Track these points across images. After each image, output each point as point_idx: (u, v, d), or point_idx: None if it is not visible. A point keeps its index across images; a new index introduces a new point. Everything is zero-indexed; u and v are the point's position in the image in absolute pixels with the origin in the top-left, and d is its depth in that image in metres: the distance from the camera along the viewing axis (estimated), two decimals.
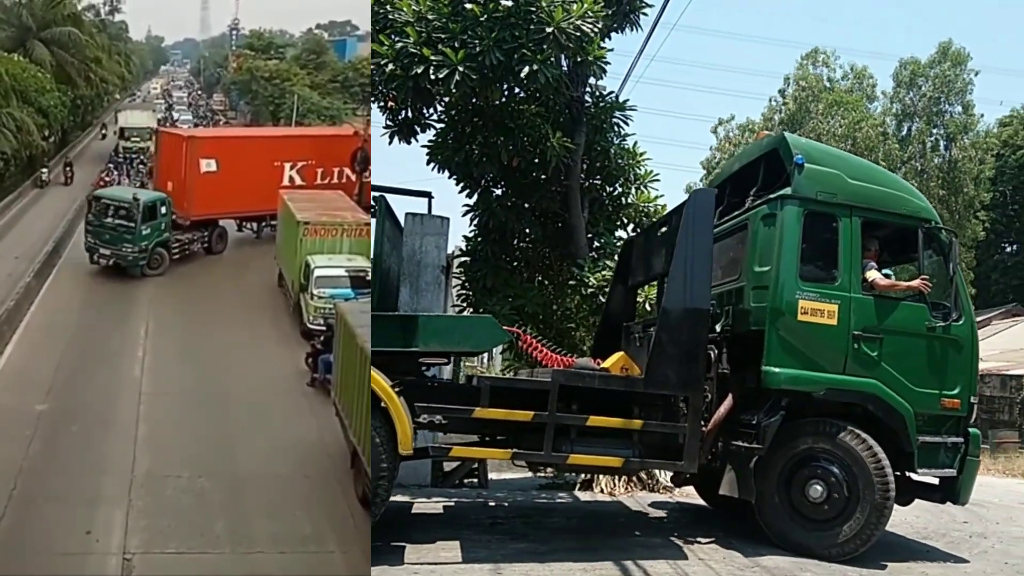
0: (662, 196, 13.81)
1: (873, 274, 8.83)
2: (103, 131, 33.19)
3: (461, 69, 10.80)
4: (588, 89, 13.12)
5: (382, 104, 12.62)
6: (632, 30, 13.17)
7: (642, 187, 13.89)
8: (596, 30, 11.21)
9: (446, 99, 12.47)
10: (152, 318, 15.03)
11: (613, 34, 13.07)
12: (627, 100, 13.67)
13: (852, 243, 8.76)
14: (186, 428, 10.71)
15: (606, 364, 8.97)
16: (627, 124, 13.63)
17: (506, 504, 11.44)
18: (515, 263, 13.82)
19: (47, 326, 14.40)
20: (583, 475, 12.39)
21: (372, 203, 13.15)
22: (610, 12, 12.29)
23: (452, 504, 11.30)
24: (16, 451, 9.72)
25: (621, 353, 9.07)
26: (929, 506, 11.13)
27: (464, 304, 13.64)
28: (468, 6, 11.02)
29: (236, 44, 63.63)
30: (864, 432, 8.45)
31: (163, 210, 18.13)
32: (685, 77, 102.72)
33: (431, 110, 12.84)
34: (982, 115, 29.93)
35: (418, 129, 12.96)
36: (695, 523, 10.36)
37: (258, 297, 16.76)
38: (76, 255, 18.23)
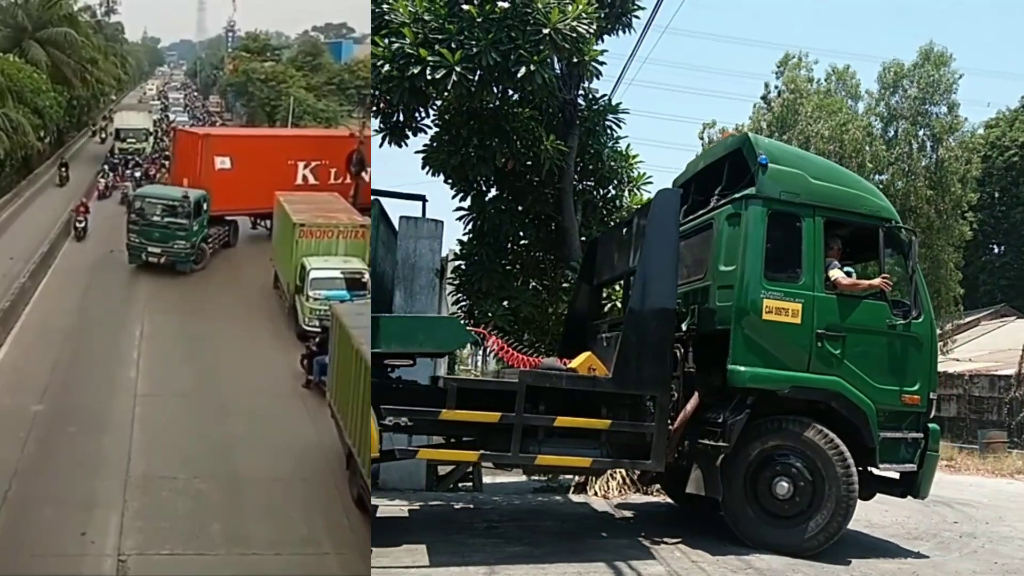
0: None
1: (836, 273, 8.93)
2: (101, 133, 32.75)
3: (458, 70, 10.81)
4: (581, 92, 13.19)
5: (375, 109, 12.68)
6: (625, 32, 13.24)
7: (635, 190, 13.98)
8: (591, 31, 11.25)
9: (440, 102, 12.52)
10: (148, 320, 15.02)
11: (606, 36, 13.12)
12: (620, 103, 13.81)
13: (815, 242, 8.87)
14: (182, 430, 10.71)
15: (573, 364, 8.93)
16: (620, 127, 13.75)
17: (501, 506, 11.46)
18: (509, 266, 13.85)
19: (42, 327, 14.38)
20: (576, 478, 12.41)
21: (371, 204, 13.17)
22: (603, 14, 12.33)
23: (421, 507, 11.32)
24: (11, 452, 9.71)
25: (588, 353, 9.06)
26: (918, 506, 11.23)
27: (459, 307, 13.67)
28: (465, 7, 11.05)
29: (232, 46, 63.57)
30: (828, 429, 8.59)
31: (205, 206, 18.72)
32: (676, 79, 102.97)
33: (424, 113, 12.87)
34: (966, 118, 30.06)
35: (410, 133, 12.98)
36: (692, 525, 10.35)
37: (254, 299, 16.77)
38: (73, 256, 18.22)
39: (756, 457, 8.59)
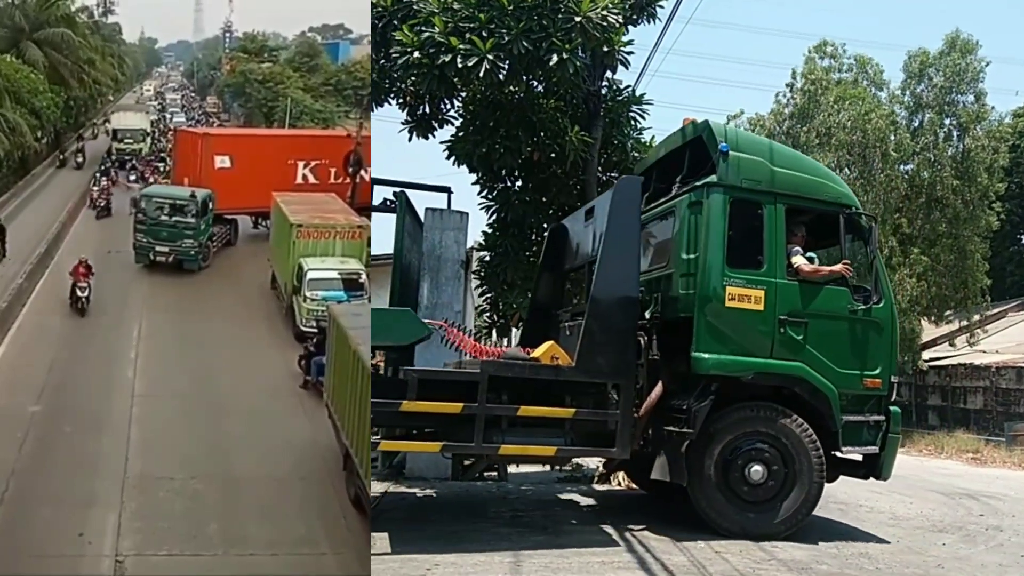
0: None
1: (798, 259, 9.00)
2: (77, 156, 30.50)
3: (490, 58, 10.80)
4: (605, 83, 13.17)
5: (401, 100, 12.66)
6: (649, 22, 13.19)
7: None
8: (620, 20, 11.30)
9: (465, 93, 12.59)
10: (146, 320, 15.01)
11: (630, 27, 13.02)
12: (643, 94, 13.70)
13: (777, 229, 8.93)
14: (179, 430, 10.72)
15: (536, 353, 8.85)
16: (643, 118, 13.66)
17: (526, 495, 11.45)
18: (534, 257, 13.85)
19: (39, 327, 14.38)
20: (600, 468, 12.43)
21: (372, 202, 13.19)
22: (628, 4, 12.36)
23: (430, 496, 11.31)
24: (8, 452, 9.72)
25: (551, 342, 8.98)
26: (943, 499, 11.29)
27: (484, 299, 13.72)
28: None
29: (229, 46, 63.51)
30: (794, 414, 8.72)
31: (211, 205, 18.88)
32: (701, 70, 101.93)
33: (450, 105, 12.92)
34: (993, 107, 29.25)
35: (436, 125, 13.02)
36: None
37: (252, 299, 16.78)
38: (71, 256, 18.16)
39: (727, 444, 8.65)
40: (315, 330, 13.52)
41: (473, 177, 13.31)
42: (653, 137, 13.68)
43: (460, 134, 12.90)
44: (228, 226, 20.82)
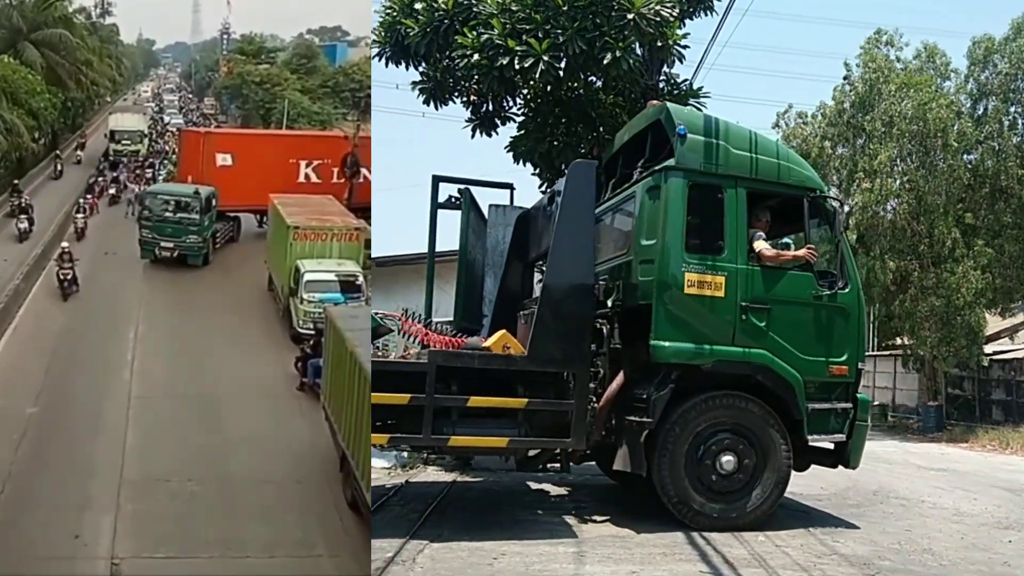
0: None
1: (760, 244, 8.79)
2: (57, 163, 29.33)
3: (545, 59, 10.94)
4: (663, 77, 13.20)
5: (464, 99, 12.92)
6: (706, 15, 13.20)
7: None
8: (674, 15, 11.35)
9: (526, 91, 12.77)
10: (142, 322, 15.00)
11: (687, 20, 13.00)
12: (701, 87, 13.66)
13: (737, 214, 8.72)
14: (176, 432, 10.72)
15: (487, 343, 8.79)
16: (700, 111, 13.66)
17: (589, 486, 11.43)
18: None
19: (36, 329, 14.38)
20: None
21: (368, 207, 13.18)
22: None
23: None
24: (5, 454, 9.71)
25: (503, 331, 8.90)
26: (1010, 495, 11.27)
27: None
28: None
29: (227, 48, 63.48)
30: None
31: (215, 202, 19.42)
32: (757, 62, 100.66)
33: (512, 102, 13.11)
34: None
35: (499, 122, 13.22)
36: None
37: (248, 301, 16.76)
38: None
39: (694, 434, 8.48)
40: (312, 332, 13.51)
41: (535, 172, 13.46)
42: None
43: (522, 131, 13.09)
44: (231, 223, 21.24)
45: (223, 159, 20.84)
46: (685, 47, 11.88)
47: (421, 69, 12.80)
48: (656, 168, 8.84)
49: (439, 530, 8.30)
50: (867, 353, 32.33)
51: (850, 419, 8.95)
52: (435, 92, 12.79)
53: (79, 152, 32.70)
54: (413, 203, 78.27)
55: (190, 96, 61.28)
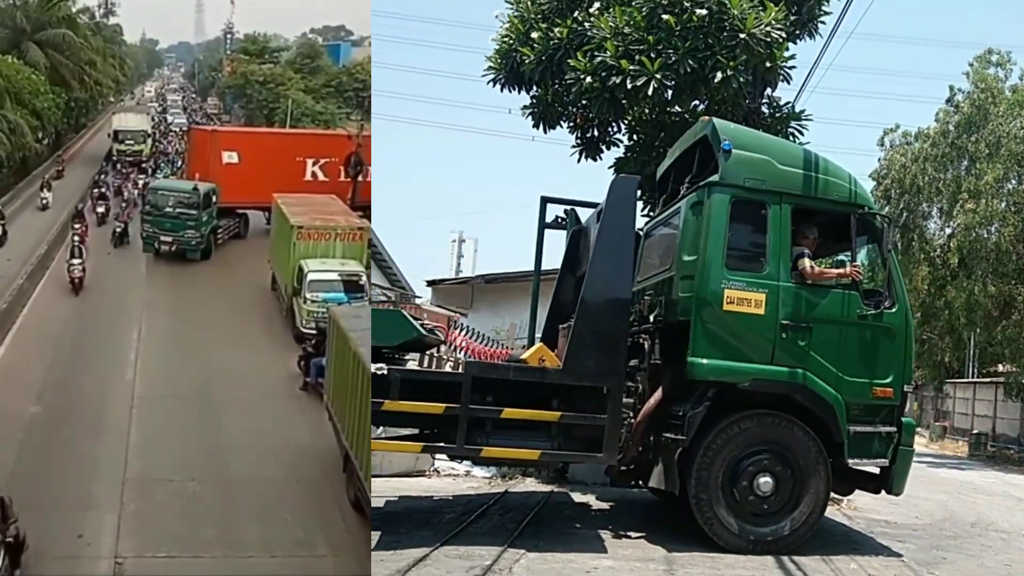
0: None
1: (804, 262, 8.63)
2: (45, 194, 24.57)
3: (657, 77, 11.10)
4: (765, 100, 13.32)
5: (572, 124, 13.29)
6: (811, 38, 13.25)
7: None
8: (783, 36, 11.45)
9: (631, 117, 13.09)
10: (145, 322, 15.01)
11: (791, 44, 13.05)
12: (803, 110, 13.69)
13: (781, 231, 8.59)
14: (178, 432, 10.71)
15: (524, 356, 8.77)
16: (802, 134, 13.65)
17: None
18: None
19: (39, 329, 14.38)
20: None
21: (369, 206, 13.20)
22: (790, 21, 12.39)
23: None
24: (7, 454, 9.70)
25: (540, 344, 8.91)
26: None
27: None
28: (664, 17, 11.31)
29: (231, 48, 63.45)
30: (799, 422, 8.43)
31: (215, 198, 19.87)
32: (860, 84, 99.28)
33: (617, 128, 13.45)
34: None
35: (604, 147, 13.56)
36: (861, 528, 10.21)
37: (251, 301, 16.77)
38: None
39: (731, 454, 8.32)
40: (315, 332, 13.50)
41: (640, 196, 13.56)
42: None
43: (627, 155, 13.34)
44: (237, 219, 21.60)
45: (229, 156, 21.21)
46: (791, 68, 12.06)
47: (532, 94, 13.17)
48: (700, 184, 8.81)
49: (535, 540, 8.36)
50: (967, 380, 32.59)
51: (894, 443, 8.71)
52: (545, 116, 13.18)
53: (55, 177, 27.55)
54: (522, 222, 78.91)
55: (193, 96, 61.37)
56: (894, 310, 8.80)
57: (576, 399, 8.47)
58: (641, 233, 10.56)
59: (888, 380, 8.71)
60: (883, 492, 9.06)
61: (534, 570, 7.28)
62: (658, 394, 8.64)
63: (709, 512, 8.29)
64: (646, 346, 8.89)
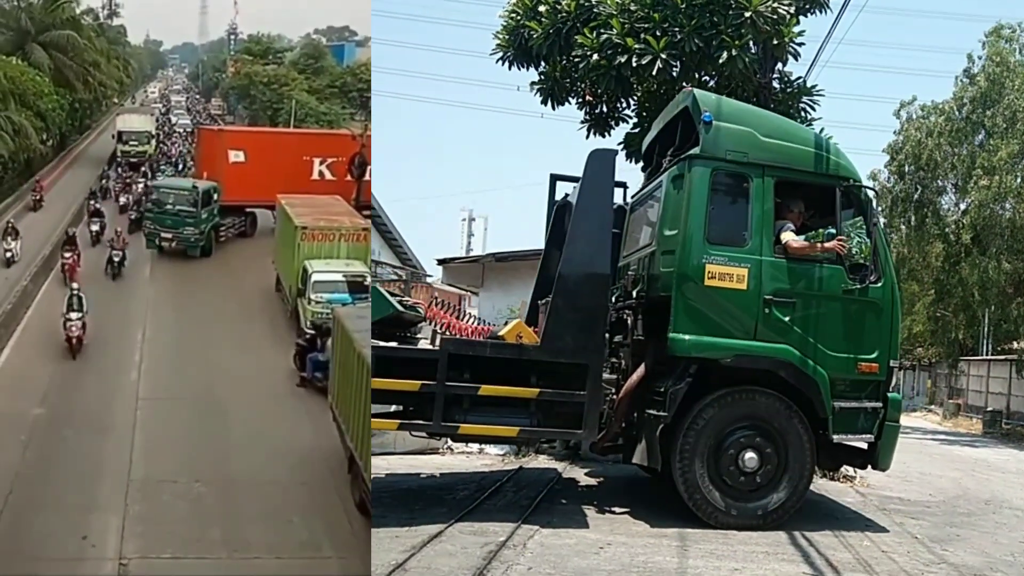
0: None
1: (788, 236, 8.51)
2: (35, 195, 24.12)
3: (663, 56, 11.18)
4: (776, 75, 13.26)
5: (580, 100, 13.27)
6: (822, 12, 13.17)
7: None
8: (790, 12, 11.42)
9: (640, 93, 13.06)
10: (149, 323, 15.01)
11: (802, 17, 12.94)
12: (815, 85, 13.61)
13: (764, 204, 8.44)
14: (182, 433, 10.70)
15: (502, 332, 8.66)
16: (814, 109, 13.61)
17: None
18: None
19: (44, 330, 14.36)
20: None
21: (371, 206, 13.17)
22: None
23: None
24: (12, 456, 9.71)
25: (518, 320, 8.81)
26: None
27: None
28: None
29: (234, 49, 63.67)
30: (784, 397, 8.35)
31: (215, 196, 20.27)
32: (873, 58, 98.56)
33: (625, 104, 13.45)
34: None
35: (612, 123, 13.60)
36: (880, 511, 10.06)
37: (255, 302, 16.75)
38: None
39: (716, 430, 8.25)
40: (311, 330, 13.44)
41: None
42: (823, 129, 13.38)
43: (636, 130, 13.27)
44: (243, 217, 21.84)
45: (236, 156, 21.52)
46: (800, 44, 12.03)
47: (540, 70, 13.20)
48: (681, 157, 8.68)
49: (549, 517, 8.38)
50: (981, 358, 32.45)
51: (880, 419, 8.63)
52: (553, 92, 13.21)
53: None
54: (531, 201, 78.34)
55: (197, 97, 61.43)
56: (880, 284, 8.68)
57: (555, 376, 8.30)
58: (627, 207, 10.48)
59: (874, 355, 8.64)
60: (869, 467, 9.00)
61: (548, 546, 7.28)
62: (641, 370, 8.57)
63: (694, 488, 8.23)
64: (629, 322, 8.75)
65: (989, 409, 29.40)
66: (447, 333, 9.08)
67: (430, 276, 28.51)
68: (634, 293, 8.86)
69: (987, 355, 32.36)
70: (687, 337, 8.25)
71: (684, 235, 8.32)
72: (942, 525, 9.36)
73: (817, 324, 8.48)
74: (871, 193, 9.17)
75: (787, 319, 8.39)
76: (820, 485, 11.40)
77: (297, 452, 10.31)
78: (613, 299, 9.59)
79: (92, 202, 23.09)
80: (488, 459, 12.75)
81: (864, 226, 8.89)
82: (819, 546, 7.75)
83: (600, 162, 8.62)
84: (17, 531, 8.21)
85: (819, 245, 8.81)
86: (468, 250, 42.11)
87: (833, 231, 8.92)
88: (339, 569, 7.98)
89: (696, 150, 8.50)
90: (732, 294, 8.30)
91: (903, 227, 29.31)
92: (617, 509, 9.02)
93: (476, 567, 6.55)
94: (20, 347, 13.66)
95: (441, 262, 25.57)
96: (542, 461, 12.51)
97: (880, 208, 30.82)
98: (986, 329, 31.71)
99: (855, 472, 11.65)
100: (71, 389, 11.95)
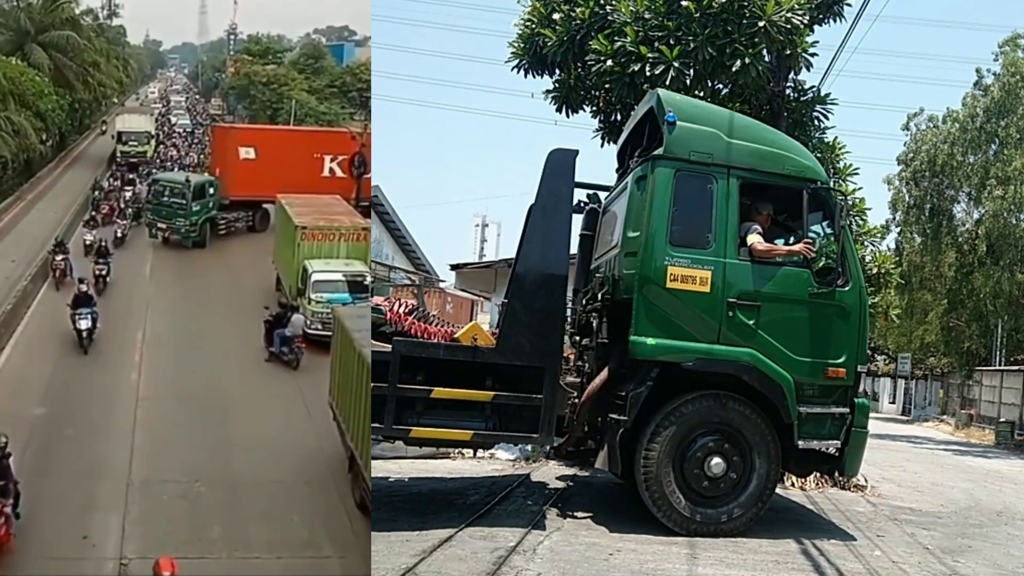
0: (860, 189, 13.55)
1: (753, 238, 8.43)
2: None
3: (676, 65, 11.20)
4: (789, 84, 13.30)
5: (595, 108, 13.36)
6: (836, 21, 13.23)
7: (841, 180, 13.63)
8: (804, 22, 11.44)
9: None
10: (149, 323, 15.00)
11: (816, 27, 13.10)
12: (828, 94, 13.66)
13: (729, 206, 8.34)
14: (182, 433, 10.69)
15: (458, 334, 8.58)
16: (827, 118, 13.65)
17: None
18: None
19: (44, 330, 14.36)
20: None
21: (371, 204, 13.17)
22: (814, 4, 12.44)
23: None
24: (13, 455, 9.67)
25: (474, 323, 8.82)
26: None
27: None
28: (684, 3, 11.39)
29: (234, 49, 63.58)
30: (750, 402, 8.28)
31: (211, 190, 21.02)
32: (886, 67, 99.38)
33: None
34: None
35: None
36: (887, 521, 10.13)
37: (256, 302, 16.71)
38: (76, 259, 18.15)
39: (679, 435, 8.19)
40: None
41: None
42: (836, 137, 13.62)
43: None
44: (249, 213, 22.40)
45: (246, 152, 22.08)
46: (814, 55, 12.09)
47: (555, 78, 13.25)
48: (645, 158, 8.62)
49: (559, 523, 8.41)
50: (994, 368, 32.39)
51: (847, 425, 8.53)
52: (568, 100, 13.29)
53: None
54: None
55: (197, 97, 61.39)
56: (847, 288, 8.59)
57: (512, 378, 8.23)
58: (598, 209, 10.46)
59: (841, 360, 8.55)
60: (836, 472, 9.04)
61: (558, 552, 7.30)
62: (604, 374, 8.48)
63: (658, 494, 8.18)
64: (594, 324, 8.69)
65: (1002, 420, 29.33)
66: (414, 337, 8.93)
67: (443, 281, 28.55)
68: (599, 295, 8.78)
69: (1000, 365, 32.30)
70: (648, 340, 8.18)
71: (646, 236, 8.27)
72: (953, 536, 9.37)
73: (783, 328, 8.41)
74: (840, 196, 9.06)
75: (752, 323, 8.31)
76: (831, 495, 11.50)
77: (298, 452, 10.30)
78: (584, 301, 9.55)
79: (90, 210, 23.41)
80: (499, 464, 12.78)
81: (832, 229, 8.75)
82: (829, 555, 7.76)
83: (558, 162, 8.56)
84: (18, 531, 8.17)
85: (785, 248, 8.74)
86: (481, 256, 42.07)
87: (811, 235, 8.87)
88: (339, 569, 7.98)
89: (660, 151, 8.43)
90: (695, 297, 8.23)
91: (916, 236, 29.29)
92: (627, 515, 8.99)
93: (486, 572, 6.57)
94: (20, 347, 13.64)
95: (454, 267, 25.80)
96: (552, 467, 12.51)
97: (894, 217, 31.02)
98: (999, 339, 31.70)
99: (867, 482, 11.65)
100: (71, 389, 11.94)
